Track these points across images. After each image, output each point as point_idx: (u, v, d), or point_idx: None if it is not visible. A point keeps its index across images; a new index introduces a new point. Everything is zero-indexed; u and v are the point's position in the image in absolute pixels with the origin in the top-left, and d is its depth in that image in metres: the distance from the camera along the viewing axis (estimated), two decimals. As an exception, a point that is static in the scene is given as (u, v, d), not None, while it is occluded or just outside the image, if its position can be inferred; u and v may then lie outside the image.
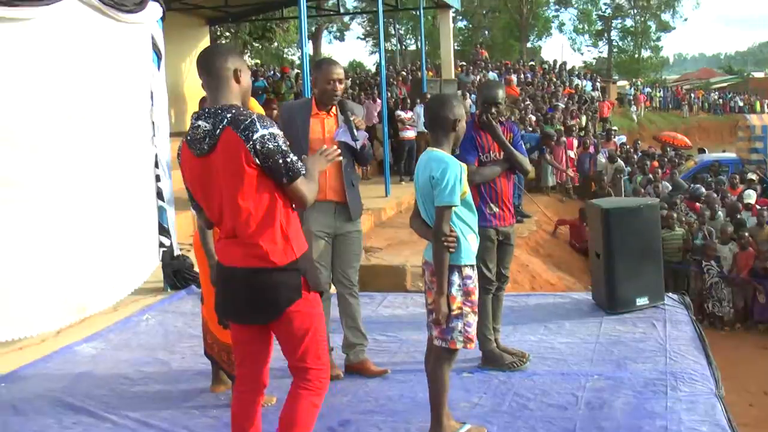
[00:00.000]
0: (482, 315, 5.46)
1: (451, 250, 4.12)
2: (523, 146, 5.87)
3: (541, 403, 4.99)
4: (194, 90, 10.03)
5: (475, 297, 4.28)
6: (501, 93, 5.64)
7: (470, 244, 4.27)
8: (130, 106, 7.63)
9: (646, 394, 5.02)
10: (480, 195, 5.52)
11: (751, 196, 14.82)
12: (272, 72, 26.84)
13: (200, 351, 5.55)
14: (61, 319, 6.75)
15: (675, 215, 14.12)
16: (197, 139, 3.46)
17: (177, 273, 8.31)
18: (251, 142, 3.36)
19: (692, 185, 16.93)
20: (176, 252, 8.65)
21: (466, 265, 4.23)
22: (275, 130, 3.46)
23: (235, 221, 3.46)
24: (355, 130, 5.14)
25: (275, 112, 12.26)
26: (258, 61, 37.40)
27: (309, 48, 39.75)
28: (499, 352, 5.66)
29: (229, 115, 3.41)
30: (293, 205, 3.58)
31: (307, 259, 3.60)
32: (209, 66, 3.56)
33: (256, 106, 3.84)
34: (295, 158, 3.48)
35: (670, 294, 7.28)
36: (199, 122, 3.47)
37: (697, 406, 4.78)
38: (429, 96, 16.13)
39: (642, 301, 6.90)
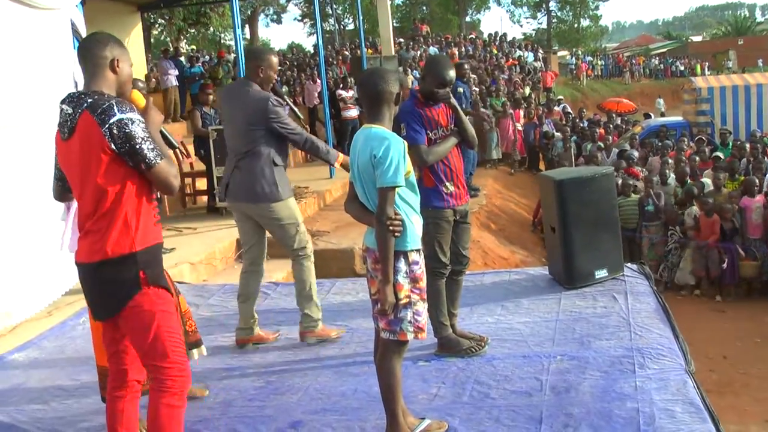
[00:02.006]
0: (437, 301, 5.16)
1: (396, 234, 3.77)
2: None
3: (504, 391, 4.68)
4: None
5: (423, 283, 3.94)
6: (453, 73, 5.29)
7: (415, 227, 3.93)
8: (51, 96, 7.14)
9: (613, 374, 4.73)
10: (435, 174, 5.15)
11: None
12: (208, 57, 26.31)
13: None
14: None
15: (631, 182, 13.91)
16: (61, 123, 3.48)
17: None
18: (107, 126, 3.34)
19: (628, 150, 16.73)
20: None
21: (413, 250, 3.88)
22: (135, 115, 3.44)
23: (87, 208, 3.46)
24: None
25: (211, 97, 11.90)
26: (194, 47, 36.67)
27: (246, 32, 39.25)
28: (455, 338, 5.33)
29: (90, 100, 3.41)
30: (157, 193, 3.62)
31: (150, 253, 3.53)
32: (85, 53, 3.57)
33: (138, 98, 3.73)
34: (152, 146, 3.44)
35: (629, 264, 7.03)
36: (63, 106, 3.47)
37: (668, 384, 4.50)
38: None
39: (601, 273, 6.62)
